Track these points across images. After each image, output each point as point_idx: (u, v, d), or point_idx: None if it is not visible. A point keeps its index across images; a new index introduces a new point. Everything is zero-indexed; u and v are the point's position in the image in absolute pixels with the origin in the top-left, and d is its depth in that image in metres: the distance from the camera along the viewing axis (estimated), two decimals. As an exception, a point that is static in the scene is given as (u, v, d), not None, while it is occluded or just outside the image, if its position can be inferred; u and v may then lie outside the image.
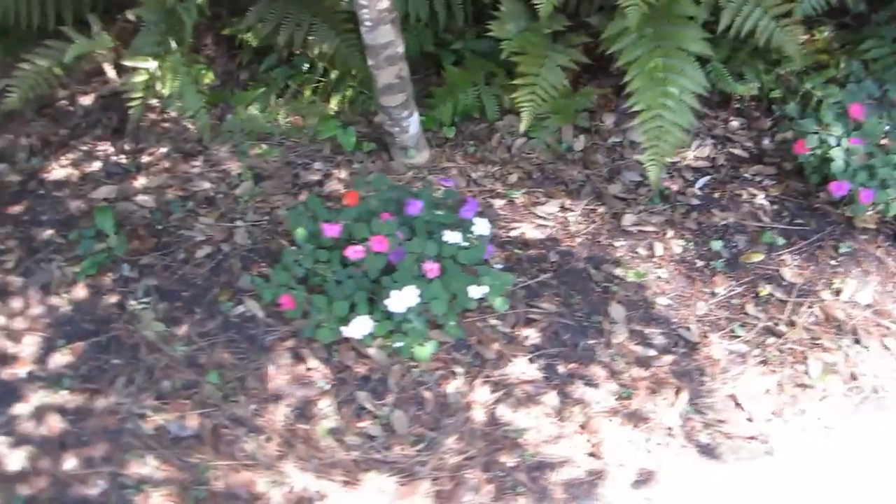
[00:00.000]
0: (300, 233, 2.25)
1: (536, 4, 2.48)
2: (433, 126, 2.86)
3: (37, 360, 2.23)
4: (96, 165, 2.80)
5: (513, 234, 2.51)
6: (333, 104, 2.96)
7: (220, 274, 2.41)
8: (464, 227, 2.27)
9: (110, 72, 2.88)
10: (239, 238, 2.52)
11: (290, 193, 2.68)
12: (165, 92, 2.59)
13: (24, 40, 2.99)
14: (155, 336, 2.25)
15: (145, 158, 2.82)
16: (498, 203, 2.61)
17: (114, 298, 2.36)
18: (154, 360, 2.20)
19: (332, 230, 2.21)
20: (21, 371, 2.20)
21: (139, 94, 2.61)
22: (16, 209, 2.66)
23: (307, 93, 2.99)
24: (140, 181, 2.73)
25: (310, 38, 2.86)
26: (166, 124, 2.95)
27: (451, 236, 2.21)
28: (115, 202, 2.66)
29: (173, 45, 2.57)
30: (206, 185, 2.72)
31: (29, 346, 2.26)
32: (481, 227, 2.27)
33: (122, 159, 2.82)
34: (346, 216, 2.25)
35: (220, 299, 2.34)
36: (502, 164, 2.77)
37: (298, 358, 2.18)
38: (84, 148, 2.87)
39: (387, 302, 2.08)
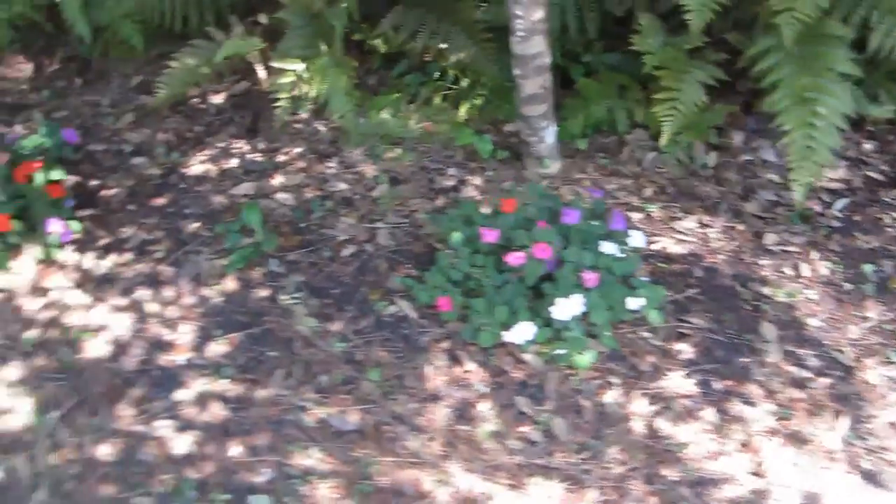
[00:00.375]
0: (456, 237, 2.28)
1: (686, 19, 2.49)
2: (565, 137, 2.88)
3: (194, 348, 2.27)
4: (233, 162, 2.86)
5: (654, 247, 2.52)
6: (462, 111, 3.00)
7: (366, 273, 2.44)
8: (616, 238, 2.29)
9: (261, 72, 2.94)
10: (382, 239, 2.55)
11: (426, 198, 2.71)
12: (312, 94, 2.64)
13: (161, 39, 3.07)
14: (309, 331, 2.29)
15: (281, 157, 2.87)
16: (636, 216, 2.63)
17: (264, 292, 2.40)
18: (310, 355, 2.23)
19: (490, 235, 2.23)
20: (179, 358, 2.24)
21: (285, 95, 2.66)
22: (160, 201, 2.71)
23: (437, 100, 3.02)
24: (278, 179, 2.78)
25: (445, 46, 2.90)
26: (298, 125, 3.00)
27: (607, 247, 2.23)
28: (256, 199, 2.70)
29: (322, 47, 2.61)
30: (343, 185, 2.76)
31: (185, 334, 2.30)
32: (637, 239, 2.28)
33: (258, 157, 2.88)
34: (503, 223, 2.27)
35: (370, 298, 2.37)
36: (635, 178, 2.79)
37: (455, 360, 2.20)
38: (220, 145, 2.93)
39: (551, 309, 2.09)
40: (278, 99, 2.66)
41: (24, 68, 3.34)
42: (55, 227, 2.48)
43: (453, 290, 2.24)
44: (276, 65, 2.66)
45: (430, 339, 2.25)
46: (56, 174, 2.52)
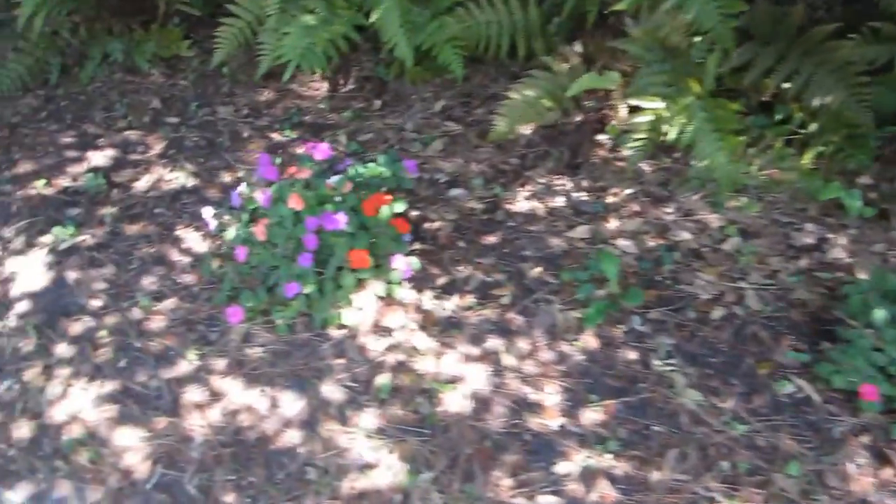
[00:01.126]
0: (879, 314, 1.98)
1: None
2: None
3: (565, 412, 2.05)
4: (559, 201, 2.65)
5: None
6: (807, 159, 2.69)
7: (745, 341, 2.17)
8: None
9: (622, 111, 2.73)
10: (751, 302, 2.28)
11: (785, 256, 2.42)
12: (672, 135, 2.40)
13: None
14: (694, 405, 2.03)
15: (610, 199, 2.64)
16: None
17: (632, 354, 2.17)
18: (703, 435, 1.98)
19: (925, 315, 1.92)
20: (551, 423, 2.03)
21: (642, 136, 2.43)
22: (491, 239, 2.53)
23: (778, 144, 2.73)
24: (613, 223, 2.55)
25: (804, 87, 2.60)
26: (620, 163, 2.77)
27: None
28: (594, 244, 2.48)
29: (693, 86, 2.37)
30: (686, 235, 2.50)
31: (551, 395, 2.09)
32: None
33: (584, 196, 2.66)
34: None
35: (758, 372, 2.09)
36: None
37: (883, 459, 1.90)
38: (541, 181, 2.73)
39: None
40: (636, 139, 2.43)
41: (319, 87, 3.25)
42: (399, 263, 2.32)
43: (878, 376, 1.94)
44: (633, 102, 2.43)
45: (846, 430, 1.96)
46: (399, 207, 2.37)
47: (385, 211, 2.33)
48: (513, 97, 2.57)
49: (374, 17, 2.76)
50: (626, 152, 2.81)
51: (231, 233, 2.49)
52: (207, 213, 2.57)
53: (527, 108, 2.54)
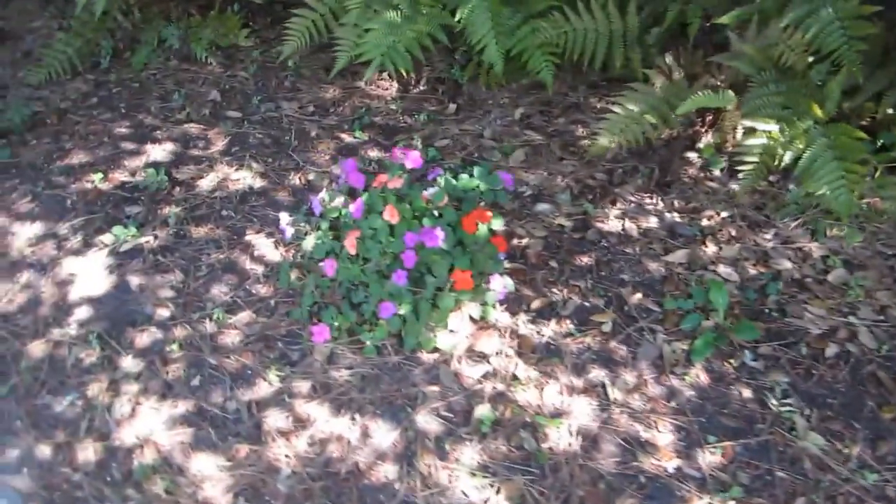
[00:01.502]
0: None
1: None
2: None
3: (681, 453, 1.93)
4: (653, 221, 2.52)
5: None
6: (908, 188, 2.58)
7: (865, 382, 2.06)
8: None
9: (738, 133, 2.60)
10: (864, 339, 2.17)
11: (893, 291, 2.31)
12: (787, 160, 2.27)
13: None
14: (818, 450, 1.92)
15: (705, 221, 2.52)
16: None
17: (746, 392, 2.05)
18: (830, 483, 1.86)
19: None
20: (667, 465, 1.91)
21: (754, 159, 2.30)
22: (584, 260, 2.40)
23: (879, 171, 2.61)
24: (711, 248, 2.43)
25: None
26: (711, 183, 2.65)
27: None
28: (692, 269, 2.36)
29: (814, 110, 2.24)
30: (788, 264, 2.38)
31: (664, 433, 1.97)
32: None
33: (678, 218, 2.53)
34: None
35: (882, 416, 1.98)
36: None
37: None
38: (631, 199, 2.60)
39: None
40: (746, 162, 2.30)
41: (389, 86, 3.10)
42: (497, 283, 2.19)
43: None
44: (746, 123, 2.31)
45: None
46: (497, 224, 2.24)
47: (483, 228, 2.20)
48: (615, 111, 2.43)
49: (459, 16, 2.62)
50: (716, 171, 2.69)
51: (310, 242, 2.35)
52: (284, 219, 2.42)
53: (630, 124, 2.40)
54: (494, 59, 2.60)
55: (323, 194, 2.38)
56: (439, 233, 2.13)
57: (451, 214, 2.19)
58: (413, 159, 2.35)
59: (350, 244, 2.18)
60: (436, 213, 2.21)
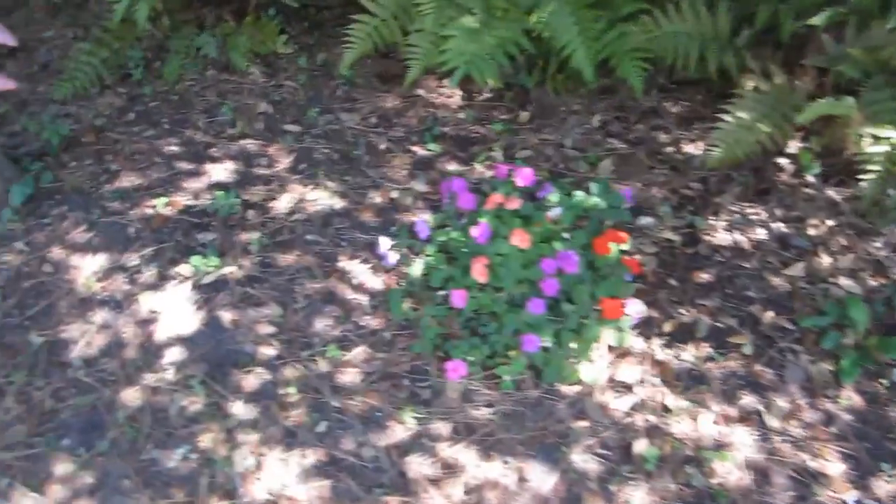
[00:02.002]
0: None
1: None
2: None
3: (857, 484, 1.86)
4: (760, 233, 2.45)
5: None
6: None
7: None
8: None
9: (863, 142, 2.51)
10: None
11: None
12: (907, 167, 2.22)
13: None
14: None
15: (811, 231, 2.45)
16: None
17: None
18: None
19: None
20: (845, 496, 1.83)
21: (877, 168, 2.24)
22: (705, 277, 2.31)
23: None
24: (825, 259, 2.36)
25: None
26: (808, 190, 2.59)
27: None
28: (813, 283, 2.29)
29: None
30: (903, 273, 2.34)
31: (832, 462, 1.89)
32: None
33: (784, 228, 2.46)
34: None
35: None
36: None
37: None
38: (733, 209, 2.52)
39: None
40: (866, 171, 2.24)
41: (452, 94, 2.94)
42: (633, 308, 2.07)
43: None
44: (867, 130, 2.24)
45: None
46: (627, 244, 2.12)
47: (614, 249, 2.07)
48: (727, 120, 2.33)
49: (534, 19, 2.48)
50: (810, 177, 2.62)
51: (417, 268, 2.19)
52: (384, 244, 2.25)
53: (744, 133, 2.30)
54: (584, 66, 2.47)
55: (428, 216, 2.22)
56: (575, 257, 2.00)
57: (581, 236, 2.06)
58: (524, 176, 2.21)
59: (479, 272, 2.02)
60: (566, 235, 2.08)
